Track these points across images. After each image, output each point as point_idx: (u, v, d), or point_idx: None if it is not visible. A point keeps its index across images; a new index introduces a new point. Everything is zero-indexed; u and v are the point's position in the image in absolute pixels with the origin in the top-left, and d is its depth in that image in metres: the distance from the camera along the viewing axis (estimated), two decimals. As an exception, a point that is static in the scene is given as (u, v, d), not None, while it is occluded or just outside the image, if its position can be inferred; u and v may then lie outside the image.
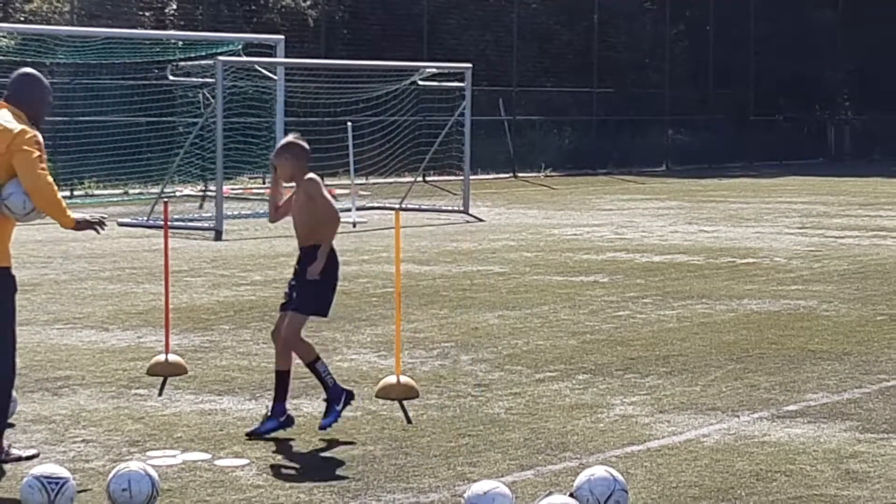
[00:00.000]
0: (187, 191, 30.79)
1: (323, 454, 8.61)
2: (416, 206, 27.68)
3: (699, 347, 12.32)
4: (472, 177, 29.20)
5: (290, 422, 9.13)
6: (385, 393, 10.20)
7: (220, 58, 26.05)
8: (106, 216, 8.96)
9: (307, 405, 9.94)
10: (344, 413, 9.67)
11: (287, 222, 9.39)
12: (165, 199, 13.36)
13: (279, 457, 8.55)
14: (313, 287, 9.35)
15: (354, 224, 24.32)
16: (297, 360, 9.30)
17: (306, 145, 9.42)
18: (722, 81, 48.81)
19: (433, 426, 9.35)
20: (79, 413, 9.66)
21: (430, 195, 30.66)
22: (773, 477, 8.16)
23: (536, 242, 21.27)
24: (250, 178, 33.79)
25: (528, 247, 20.57)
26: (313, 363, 9.25)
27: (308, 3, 39.72)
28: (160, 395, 10.32)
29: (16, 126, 8.37)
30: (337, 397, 9.21)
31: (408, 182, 30.84)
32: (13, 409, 9.37)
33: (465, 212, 26.98)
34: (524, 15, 43.33)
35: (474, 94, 30.87)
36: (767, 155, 47.63)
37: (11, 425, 9.21)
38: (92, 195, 30.34)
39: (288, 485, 7.96)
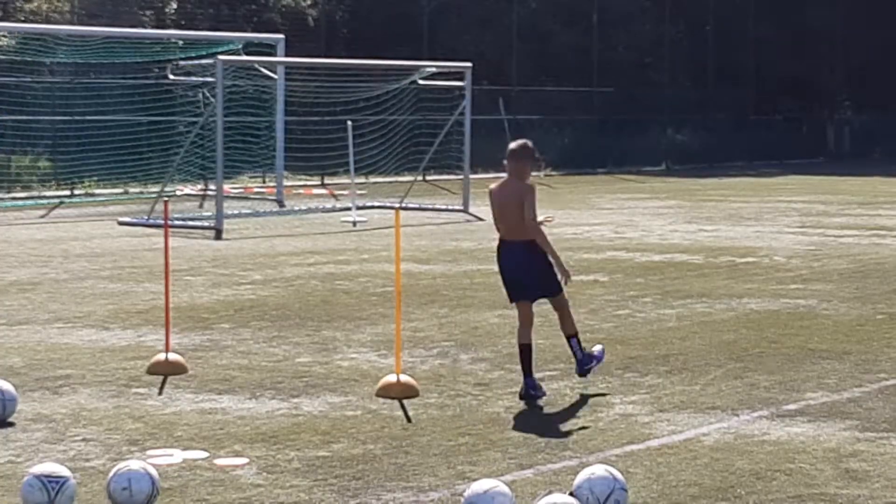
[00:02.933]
0: (187, 190, 30.80)
1: (323, 453, 8.61)
2: (416, 206, 27.67)
3: (699, 346, 12.32)
4: (472, 176, 29.18)
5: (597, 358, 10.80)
6: (385, 392, 10.20)
7: (221, 57, 26.05)
8: None
9: (307, 404, 9.94)
10: (344, 412, 9.69)
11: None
12: (166, 198, 13.36)
13: (279, 456, 8.55)
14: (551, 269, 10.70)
15: (354, 223, 24.32)
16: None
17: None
18: (722, 81, 48.82)
19: (433, 425, 9.35)
20: (79, 412, 9.66)
21: (430, 194, 30.68)
22: (773, 476, 8.16)
23: (536, 242, 21.23)
24: (250, 178, 33.80)
25: (528, 246, 20.53)
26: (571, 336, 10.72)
27: (308, 2, 39.74)
28: (160, 394, 10.31)
29: None
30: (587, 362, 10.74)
31: (408, 181, 30.84)
32: (13, 407, 9.39)
33: (465, 211, 26.97)
34: (524, 14, 43.33)
35: (474, 93, 30.86)
36: (767, 154, 47.63)
37: (11, 424, 9.23)
38: (92, 194, 30.34)
39: (288, 483, 7.96)
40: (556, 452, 8.68)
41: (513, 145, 10.52)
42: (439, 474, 8.17)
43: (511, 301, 10.71)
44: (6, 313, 13.93)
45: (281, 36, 31.21)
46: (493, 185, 10.62)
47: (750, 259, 19.07)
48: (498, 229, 10.59)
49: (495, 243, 10.82)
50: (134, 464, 7.54)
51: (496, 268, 10.78)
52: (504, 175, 10.46)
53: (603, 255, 19.46)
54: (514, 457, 8.56)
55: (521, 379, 10.87)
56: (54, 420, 9.42)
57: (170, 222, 12.57)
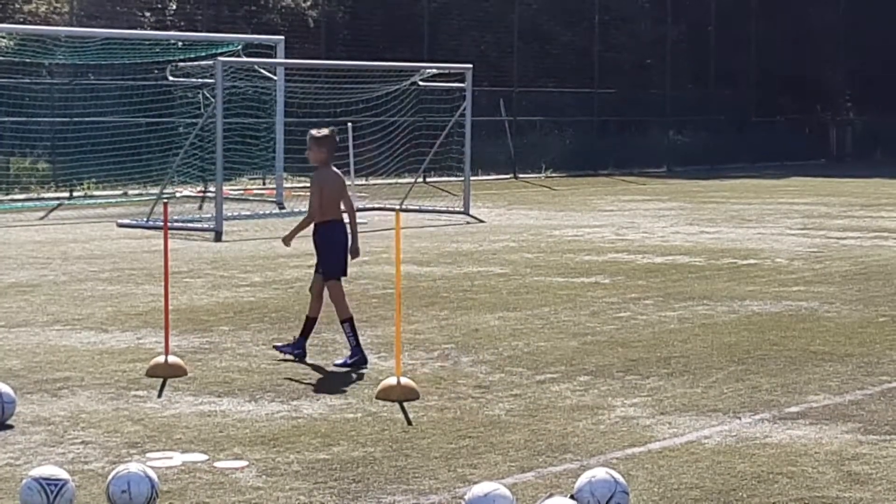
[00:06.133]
0: (187, 191, 30.77)
1: (322, 456, 8.58)
2: (417, 207, 27.65)
3: (700, 349, 12.29)
4: (472, 177, 29.16)
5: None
6: (385, 394, 10.16)
7: (220, 58, 26.02)
8: None
9: (307, 407, 9.91)
10: (344, 415, 9.66)
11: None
12: (165, 200, 13.33)
13: (278, 458, 8.51)
14: None
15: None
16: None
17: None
18: (723, 82, 48.80)
19: (433, 428, 9.32)
20: (78, 414, 9.63)
21: (430, 196, 30.65)
22: (775, 479, 8.13)
23: (537, 243, 21.24)
24: (250, 179, 33.76)
25: (529, 248, 20.54)
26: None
27: (308, 3, 39.70)
28: (159, 396, 10.28)
29: None
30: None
31: (408, 183, 30.82)
32: (12, 410, 9.35)
33: (466, 213, 26.95)
34: (525, 15, 43.31)
35: (475, 94, 30.84)
36: (768, 156, 47.61)
37: (10, 427, 9.19)
38: (91, 196, 30.31)
39: (287, 486, 7.93)
40: (557, 455, 8.64)
41: (330, 132, 11.87)
42: (440, 477, 8.13)
43: (343, 276, 11.70)
44: (5, 315, 13.90)
45: (281, 37, 31.17)
46: (320, 172, 11.78)
47: (752, 261, 19.04)
48: (323, 211, 11.58)
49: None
50: (133, 466, 7.51)
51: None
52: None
53: (604, 257, 19.43)
54: (514, 459, 8.53)
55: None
56: (53, 423, 9.39)
57: (169, 224, 12.54)
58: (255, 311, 14.30)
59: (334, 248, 11.64)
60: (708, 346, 12.43)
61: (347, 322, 11.55)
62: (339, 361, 11.50)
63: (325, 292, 11.67)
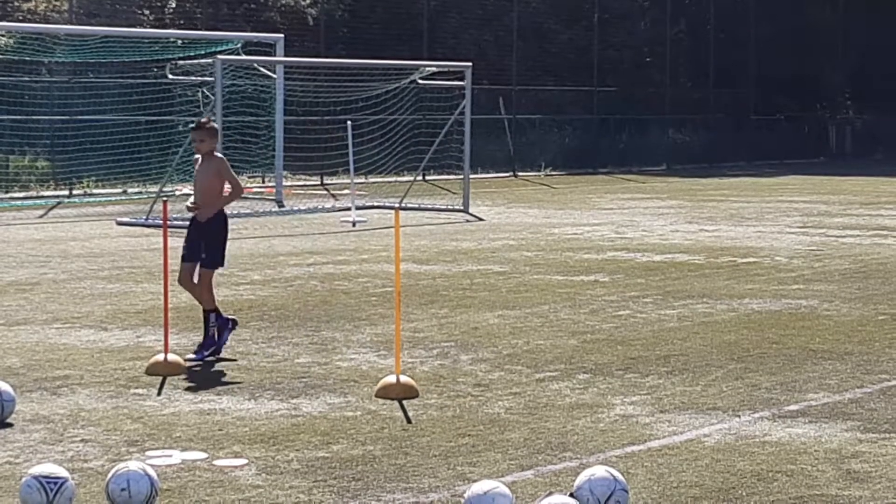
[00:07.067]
0: (186, 189, 30.74)
1: (322, 454, 8.58)
2: (416, 206, 27.65)
3: (700, 347, 12.29)
4: (471, 176, 29.15)
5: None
6: (385, 392, 10.17)
7: (220, 56, 26.03)
8: None
9: (306, 405, 9.91)
10: (343, 413, 9.66)
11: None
12: (164, 198, 13.32)
13: (278, 457, 8.51)
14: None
15: (354, 223, 24.28)
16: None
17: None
18: (722, 80, 48.82)
19: (433, 426, 9.32)
20: (77, 413, 9.63)
21: (429, 194, 30.65)
22: (774, 477, 8.14)
23: (536, 242, 21.25)
24: (249, 178, 33.76)
25: (528, 246, 20.55)
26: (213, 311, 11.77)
27: (308, 1, 39.71)
28: (159, 394, 10.29)
29: None
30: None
31: (407, 181, 30.82)
32: (11, 408, 9.35)
33: (465, 211, 26.95)
34: (524, 13, 43.33)
35: (474, 92, 30.85)
36: (768, 154, 47.65)
37: (10, 425, 9.19)
38: (91, 194, 30.32)
39: (287, 485, 7.93)
40: (557, 453, 8.64)
41: (208, 121, 11.87)
42: (439, 475, 8.13)
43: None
44: (4, 314, 13.90)
45: (280, 35, 31.18)
46: (220, 158, 11.82)
47: (751, 259, 19.05)
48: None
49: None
50: (133, 465, 7.51)
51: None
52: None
53: (604, 256, 19.44)
54: (514, 458, 8.53)
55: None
56: (53, 421, 9.39)
57: (169, 222, 12.52)
58: (255, 309, 14.30)
59: (227, 236, 11.94)
60: (707, 344, 12.44)
61: (215, 312, 11.77)
62: (194, 356, 11.64)
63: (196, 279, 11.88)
